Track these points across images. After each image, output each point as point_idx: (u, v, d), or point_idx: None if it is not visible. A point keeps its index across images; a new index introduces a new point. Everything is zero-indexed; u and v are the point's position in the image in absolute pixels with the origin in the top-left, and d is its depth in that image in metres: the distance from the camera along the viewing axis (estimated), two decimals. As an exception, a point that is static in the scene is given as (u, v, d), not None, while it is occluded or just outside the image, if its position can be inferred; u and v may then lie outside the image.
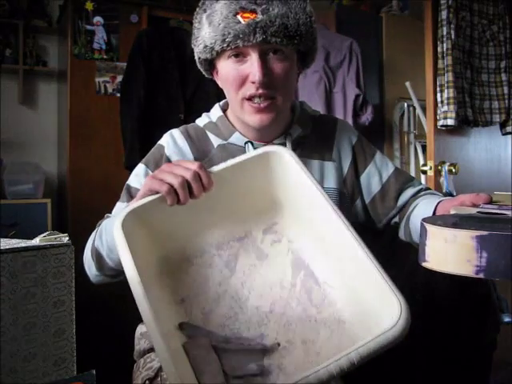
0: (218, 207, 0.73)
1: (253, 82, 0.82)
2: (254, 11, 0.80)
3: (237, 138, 0.93)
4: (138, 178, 0.93)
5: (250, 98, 0.85)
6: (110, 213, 0.93)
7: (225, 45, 0.81)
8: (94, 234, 0.86)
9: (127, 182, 0.95)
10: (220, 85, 0.93)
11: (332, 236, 0.66)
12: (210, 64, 0.92)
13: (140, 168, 0.95)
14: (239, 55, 0.83)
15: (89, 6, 2.24)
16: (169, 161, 0.92)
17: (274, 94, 0.85)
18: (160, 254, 0.61)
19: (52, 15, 2.59)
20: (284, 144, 0.93)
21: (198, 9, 0.89)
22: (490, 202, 0.74)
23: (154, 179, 0.67)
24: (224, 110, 0.98)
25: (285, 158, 0.71)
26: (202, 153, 0.94)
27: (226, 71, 0.86)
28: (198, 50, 0.87)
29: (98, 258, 0.82)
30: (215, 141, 0.94)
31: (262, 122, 0.87)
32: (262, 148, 0.73)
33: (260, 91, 0.83)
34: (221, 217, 0.74)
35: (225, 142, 0.93)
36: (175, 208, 0.68)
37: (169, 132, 0.98)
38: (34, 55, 2.52)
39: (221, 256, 0.72)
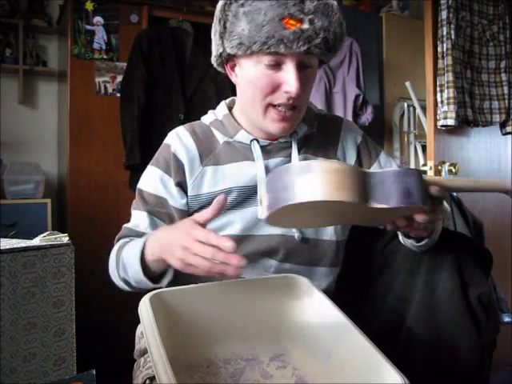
0: (231, 324, 0.76)
1: (286, 92, 0.82)
2: (300, 20, 0.79)
3: (242, 136, 0.93)
4: (151, 182, 0.94)
5: (275, 105, 0.85)
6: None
7: (265, 47, 0.79)
8: (115, 254, 0.89)
9: (139, 187, 0.97)
10: (237, 82, 0.92)
11: (344, 350, 0.69)
12: (229, 57, 0.89)
13: (153, 172, 0.95)
14: (274, 62, 0.82)
15: (89, 6, 2.23)
16: (176, 158, 0.93)
17: (300, 104, 0.86)
18: (169, 355, 0.61)
19: (52, 15, 2.59)
20: (290, 142, 0.94)
21: (226, 1, 0.84)
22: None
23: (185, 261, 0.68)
24: (230, 107, 0.99)
25: (303, 285, 0.78)
26: (207, 149, 0.94)
27: (256, 75, 0.84)
28: (230, 44, 0.84)
29: (126, 282, 0.87)
30: (221, 138, 0.95)
31: (283, 130, 0.89)
32: (283, 274, 0.83)
33: (291, 102, 0.84)
34: (232, 336, 0.77)
35: (230, 140, 0.94)
36: (193, 312, 0.73)
37: (174, 130, 0.99)
38: (33, 55, 2.52)
39: (227, 369, 0.74)
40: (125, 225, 0.96)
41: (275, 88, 0.83)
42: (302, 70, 0.83)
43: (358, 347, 0.65)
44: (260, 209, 0.90)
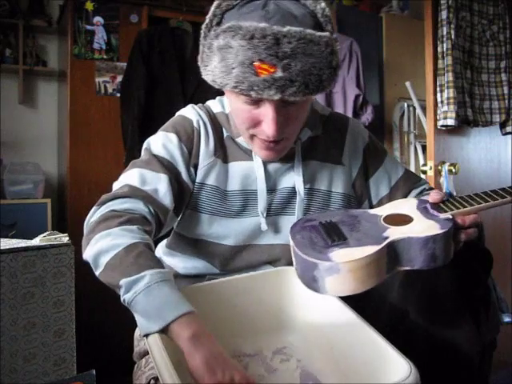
0: (232, 321, 0.76)
1: (265, 133, 0.78)
2: (273, 65, 0.70)
3: (243, 141, 0.90)
4: (169, 147, 0.87)
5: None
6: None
7: (236, 90, 0.74)
8: (123, 241, 0.71)
9: (149, 148, 0.88)
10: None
11: (347, 339, 0.70)
12: None
13: (171, 138, 0.88)
14: (251, 101, 0.76)
15: (89, 5, 2.23)
16: (199, 137, 0.89)
17: (287, 135, 0.82)
18: (170, 355, 0.60)
19: (52, 15, 2.59)
20: (293, 150, 0.90)
21: (207, 24, 0.78)
22: (439, 202, 0.77)
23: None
24: None
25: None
26: (219, 139, 0.91)
27: (238, 108, 0.81)
28: (206, 77, 0.80)
29: (95, 260, 0.73)
30: (225, 132, 0.92)
31: (270, 158, 0.85)
32: (278, 268, 0.85)
33: (271, 139, 0.79)
34: (233, 332, 0.76)
35: (233, 138, 0.92)
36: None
37: (190, 106, 0.94)
38: (33, 55, 2.52)
39: None
40: (130, 182, 0.83)
41: (256, 123, 0.79)
42: (286, 105, 0.76)
43: (363, 336, 0.65)
44: (263, 221, 0.89)
